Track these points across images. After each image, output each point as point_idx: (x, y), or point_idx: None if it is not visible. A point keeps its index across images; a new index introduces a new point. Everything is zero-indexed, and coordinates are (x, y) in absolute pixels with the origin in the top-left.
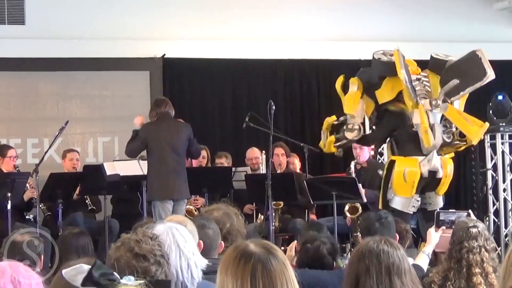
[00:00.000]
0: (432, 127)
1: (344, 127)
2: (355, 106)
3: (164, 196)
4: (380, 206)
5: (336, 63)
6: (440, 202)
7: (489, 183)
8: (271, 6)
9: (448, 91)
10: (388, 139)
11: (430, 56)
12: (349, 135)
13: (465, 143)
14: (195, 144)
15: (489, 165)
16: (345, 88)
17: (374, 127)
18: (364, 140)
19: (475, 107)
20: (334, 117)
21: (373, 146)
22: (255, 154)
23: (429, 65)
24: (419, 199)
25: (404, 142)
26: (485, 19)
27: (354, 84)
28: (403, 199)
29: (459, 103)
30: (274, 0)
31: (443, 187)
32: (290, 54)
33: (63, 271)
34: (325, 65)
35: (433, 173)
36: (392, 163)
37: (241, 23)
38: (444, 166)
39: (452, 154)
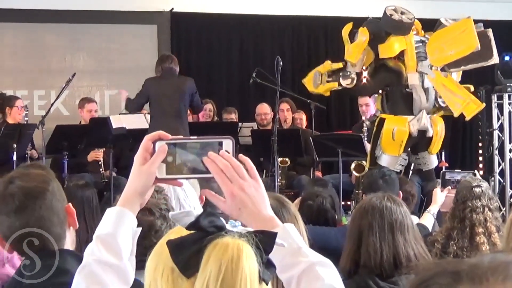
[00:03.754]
0: (426, 90)
1: (340, 73)
2: (358, 55)
3: None
4: (367, 163)
5: (344, 20)
6: (434, 161)
7: (495, 143)
8: None
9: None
10: (379, 94)
11: (438, 20)
12: (344, 82)
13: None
14: (197, 99)
15: (496, 125)
16: (351, 36)
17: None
18: (356, 91)
19: (481, 67)
20: (334, 65)
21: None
22: (264, 109)
23: (435, 29)
24: (407, 157)
25: (396, 100)
26: None
27: (363, 35)
28: (391, 157)
29: (455, 74)
30: None
31: (435, 146)
32: (298, 10)
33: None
34: (333, 22)
35: (423, 132)
36: (382, 121)
37: None
38: (434, 125)
39: (442, 113)
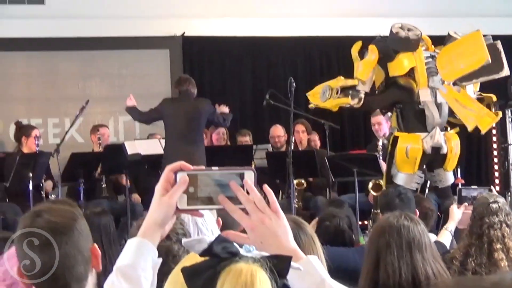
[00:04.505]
0: (439, 105)
1: (350, 91)
2: (368, 72)
3: None
4: (384, 182)
5: (355, 39)
6: (450, 178)
7: (511, 158)
8: None
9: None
10: (394, 111)
11: (447, 33)
12: (352, 101)
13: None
14: (218, 116)
15: (510, 140)
16: (361, 54)
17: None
18: (365, 105)
19: (494, 81)
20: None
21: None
22: (278, 132)
23: (444, 42)
24: (422, 175)
25: (409, 117)
26: None
27: (373, 53)
28: (406, 175)
29: (472, 87)
30: None
31: (451, 163)
32: (310, 31)
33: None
34: (345, 42)
35: (437, 149)
36: (395, 139)
37: (261, 0)
38: (448, 142)
39: (457, 129)
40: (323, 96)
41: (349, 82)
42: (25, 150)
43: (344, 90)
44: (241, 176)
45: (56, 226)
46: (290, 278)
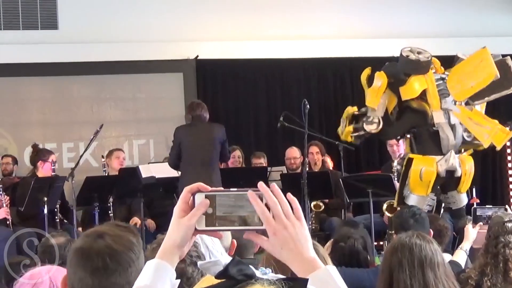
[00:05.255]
0: (453, 127)
1: (364, 118)
2: (377, 99)
3: None
4: (395, 203)
5: (369, 60)
6: (464, 199)
7: None
8: (303, 5)
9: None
10: (408, 135)
11: (455, 56)
12: (368, 128)
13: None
14: (226, 148)
15: None
16: (371, 80)
17: (394, 122)
18: (383, 134)
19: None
20: (355, 108)
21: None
22: (294, 153)
23: (453, 64)
24: (435, 198)
25: (423, 140)
26: None
27: (379, 79)
28: (419, 197)
29: (480, 106)
30: None
31: (465, 185)
32: (323, 53)
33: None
34: (358, 63)
35: (451, 172)
36: (410, 161)
37: (274, 23)
38: (463, 164)
39: (471, 151)
40: (340, 130)
41: (351, 110)
42: (40, 174)
43: (358, 118)
44: (260, 196)
45: (116, 254)
46: None
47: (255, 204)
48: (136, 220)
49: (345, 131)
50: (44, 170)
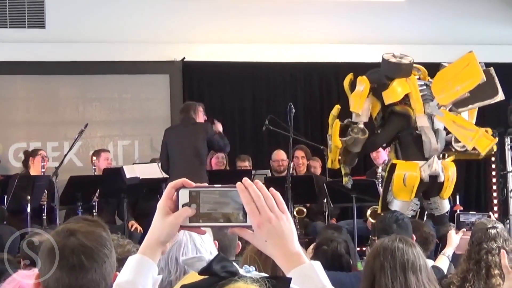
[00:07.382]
0: (436, 131)
1: (349, 130)
2: (361, 104)
3: None
4: (379, 208)
5: (355, 65)
6: (446, 206)
7: (510, 185)
8: (290, 10)
9: (457, 101)
10: (392, 144)
11: (440, 64)
12: (355, 136)
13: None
14: (217, 140)
15: (510, 167)
16: (353, 86)
17: (379, 131)
18: (371, 146)
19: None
20: (338, 106)
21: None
22: (281, 156)
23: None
24: (418, 203)
25: (407, 144)
26: (503, 22)
27: (361, 83)
28: (402, 202)
29: (468, 113)
30: (293, 3)
31: (447, 191)
32: (309, 57)
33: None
34: (344, 68)
35: (434, 177)
36: (393, 167)
37: (260, 26)
38: (446, 170)
39: (453, 157)
40: (330, 160)
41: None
42: (32, 171)
43: (345, 133)
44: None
45: (90, 252)
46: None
47: (243, 196)
48: (135, 224)
49: (331, 158)
50: (35, 166)
